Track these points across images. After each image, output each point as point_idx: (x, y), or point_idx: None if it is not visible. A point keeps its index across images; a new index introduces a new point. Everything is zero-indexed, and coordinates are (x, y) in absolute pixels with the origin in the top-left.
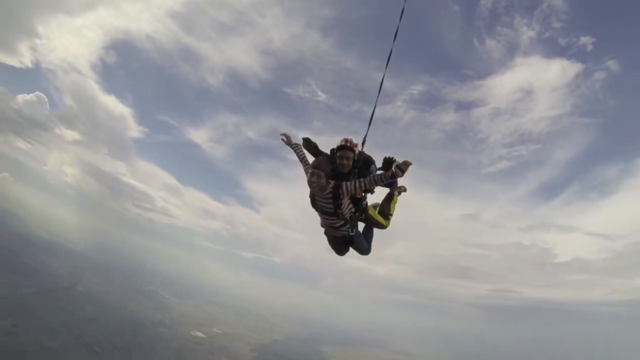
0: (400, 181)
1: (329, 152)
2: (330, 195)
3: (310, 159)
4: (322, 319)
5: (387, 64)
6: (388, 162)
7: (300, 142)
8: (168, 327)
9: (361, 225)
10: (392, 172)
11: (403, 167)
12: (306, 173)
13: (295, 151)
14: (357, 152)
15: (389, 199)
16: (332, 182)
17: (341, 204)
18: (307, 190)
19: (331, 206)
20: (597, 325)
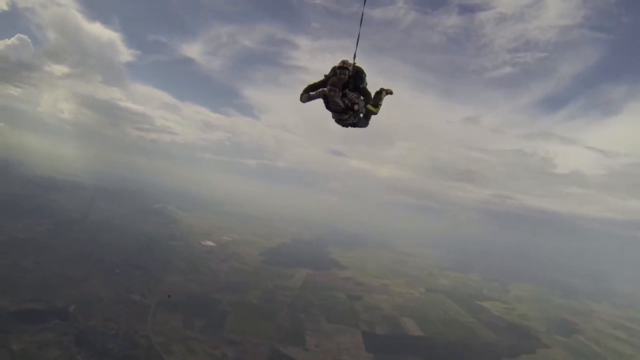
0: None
1: (330, 73)
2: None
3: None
4: (327, 221)
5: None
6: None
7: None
8: (179, 239)
9: None
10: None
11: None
12: (323, 93)
13: (314, 98)
14: (350, 67)
15: (379, 95)
16: (340, 91)
17: (351, 103)
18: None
19: (342, 106)
20: (589, 240)
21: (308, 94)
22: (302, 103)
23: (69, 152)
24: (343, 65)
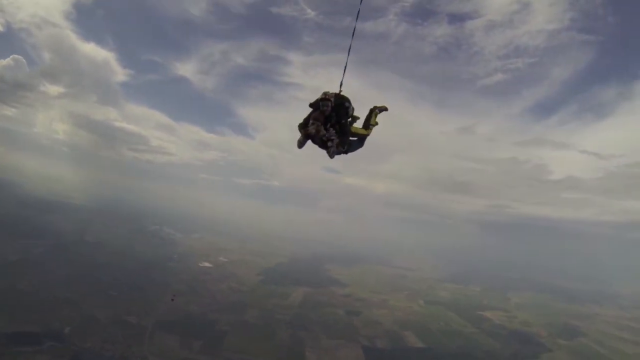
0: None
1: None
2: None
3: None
4: (324, 239)
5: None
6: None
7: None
8: (176, 261)
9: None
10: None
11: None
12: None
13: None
14: (332, 98)
15: (370, 114)
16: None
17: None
18: (300, 111)
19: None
20: (589, 244)
21: (302, 141)
22: (299, 134)
23: (64, 173)
24: (324, 97)
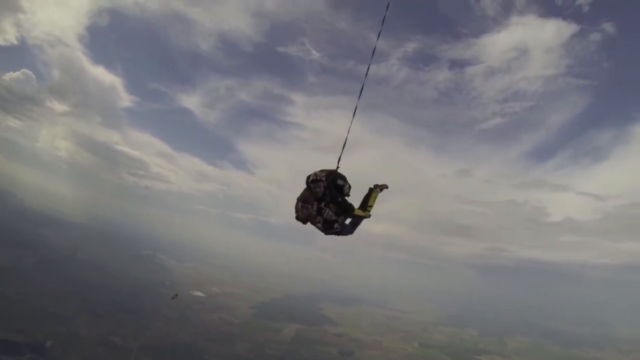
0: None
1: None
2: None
3: None
4: (320, 278)
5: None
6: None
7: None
8: (168, 288)
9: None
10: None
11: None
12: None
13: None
14: (324, 179)
15: (369, 195)
16: (315, 205)
17: (326, 219)
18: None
19: (320, 223)
20: (586, 287)
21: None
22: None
23: (63, 190)
24: (316, 179)
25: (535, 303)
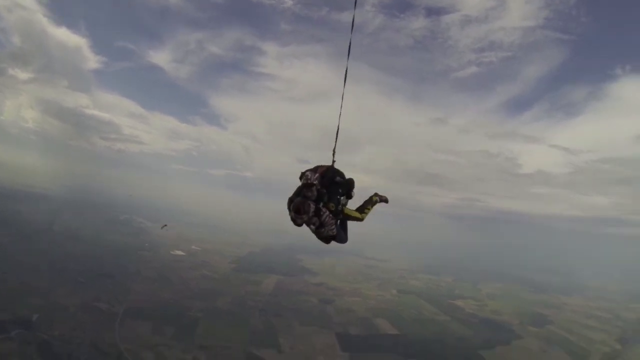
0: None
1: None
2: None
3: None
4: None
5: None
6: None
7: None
8: (148, 249)
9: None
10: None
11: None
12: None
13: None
14: (317, 181)
15: (369, 200)
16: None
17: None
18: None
19: (316, 224)
20: (557, 239)
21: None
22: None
23: (33, 162)
24: (307, 183)
25: (508, 252)
